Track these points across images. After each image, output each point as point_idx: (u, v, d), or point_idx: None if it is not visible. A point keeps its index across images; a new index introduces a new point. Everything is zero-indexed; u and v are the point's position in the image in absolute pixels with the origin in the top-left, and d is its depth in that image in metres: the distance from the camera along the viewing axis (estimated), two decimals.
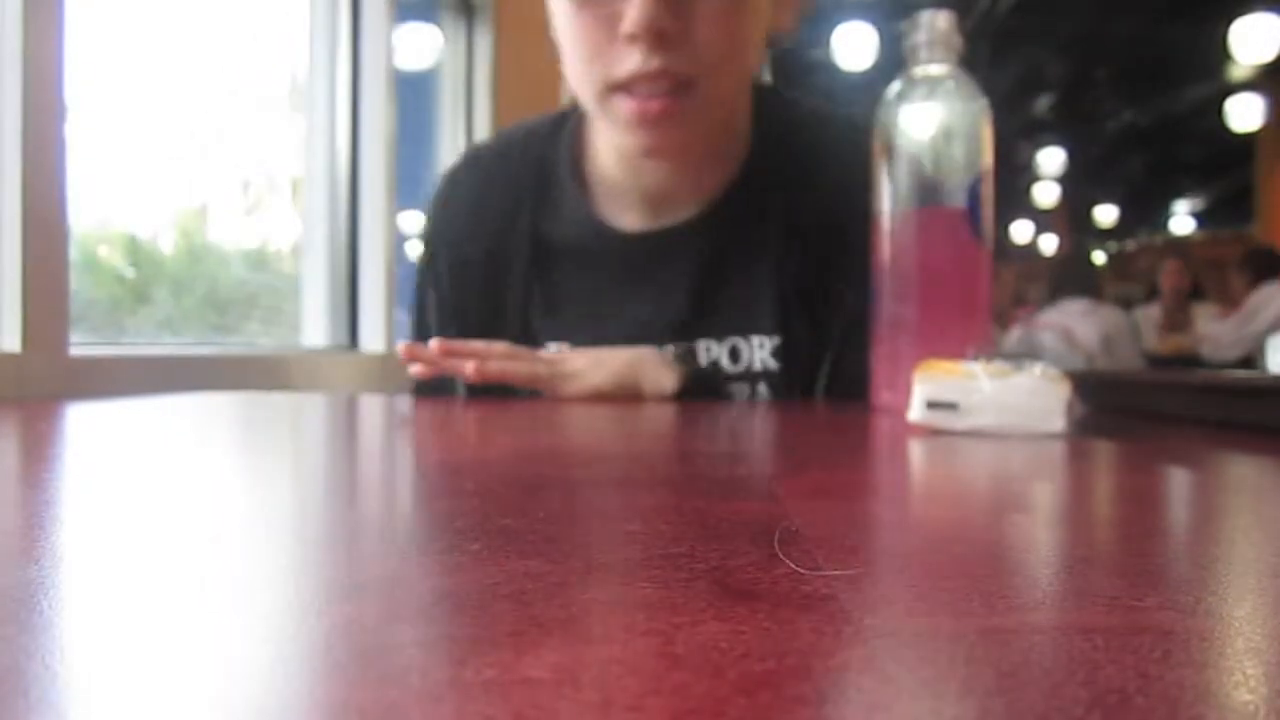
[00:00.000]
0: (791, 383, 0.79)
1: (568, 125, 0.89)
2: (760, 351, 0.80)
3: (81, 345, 0.99)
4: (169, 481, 0.35)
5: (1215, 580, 0.21)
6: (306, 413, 0.72)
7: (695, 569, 0.20)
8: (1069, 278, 3.65)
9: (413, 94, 2.06)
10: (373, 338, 1.63)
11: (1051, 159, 8.50)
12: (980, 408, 0.53)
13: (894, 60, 0.74)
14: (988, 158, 0.70)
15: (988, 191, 0.70)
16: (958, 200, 0.69)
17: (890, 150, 0.71)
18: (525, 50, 2.73)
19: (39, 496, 0.31)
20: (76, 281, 1.02)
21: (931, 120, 0.70)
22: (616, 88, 0.73)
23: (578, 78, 0.76)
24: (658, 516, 0.27)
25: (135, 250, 1.36)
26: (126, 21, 1.28)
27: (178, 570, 0.20)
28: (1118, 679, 0.13)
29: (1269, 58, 5.06)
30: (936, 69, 0.70)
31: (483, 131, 2.21)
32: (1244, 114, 6.39)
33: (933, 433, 0.53)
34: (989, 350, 0.64)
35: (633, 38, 0.69)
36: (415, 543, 0.24)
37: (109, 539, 0.24)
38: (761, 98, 0.85)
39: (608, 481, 0.36)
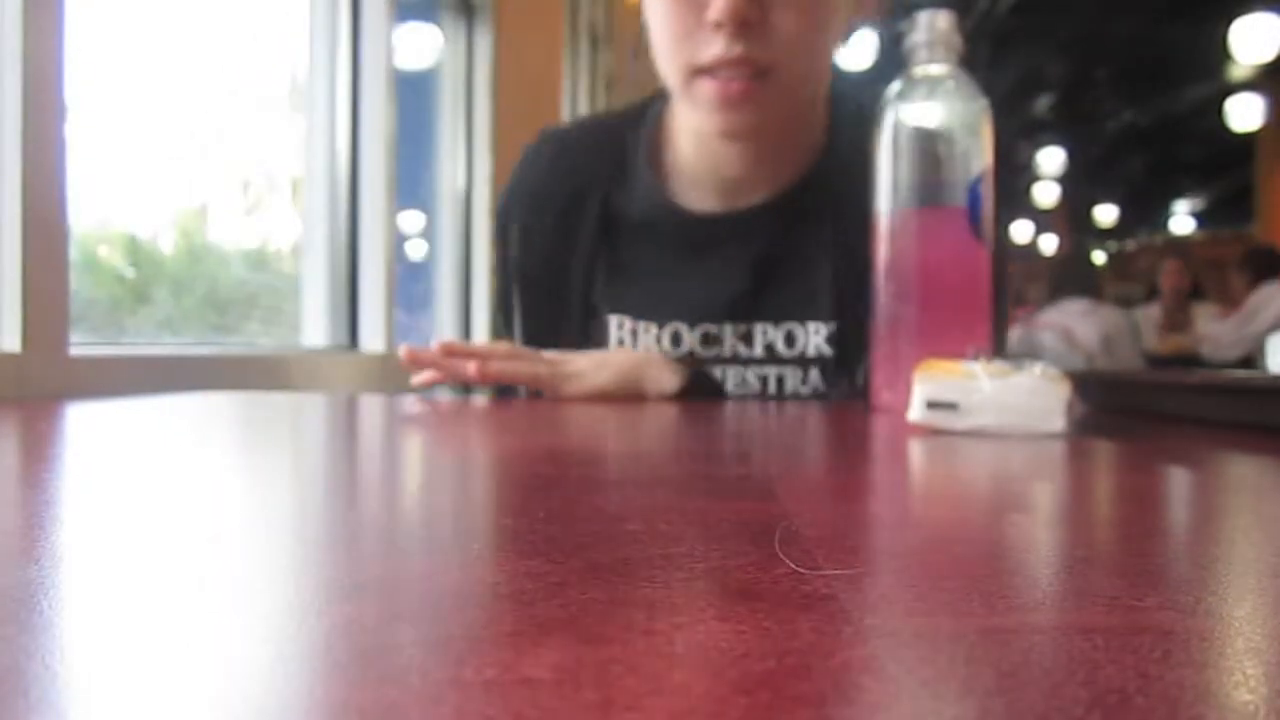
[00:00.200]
0: (842, 370, 0.81)
1: (650, 113, 0.91)
2: (815, 337, 0.82)
3: (81, 345, 0.99)
4: (169, 481, 0.35)
5: (1215, 580, 0.21)
6: (306, 413, 0.72)
7: (695, 569, 0.20)
8: (1069, 278, 3.65)
9: (413, 94, 2.06)
10: (373, 338, 1.63)
11: (1051, 159, 8.50)
12: (980, 408, 0.53)
13: (894, 60, 0.74)
14: (988, 158, 0.70)
15: (988, 191, 0.70)
16: (958, 200, 0.69)
17: (890, 150, 0.71)
18: (525, 50, 2.73)
19: (39, 496, 0.31)
20: (76, 281, 1.02)
21: (931, 120, 0.70)
22: (700, 71, 0.77)
23: (664, 59, 0.80)
24: (658, 516, 0.27)
25: (135, 250, 1.36)
26: (126, 21, 1.28)
27: (178, 570, 0.20)
28: (1118, 679, 0.13)
29: (1269, 58, 5.06)
30: (936, 69, 0.70)
31: (483, 131, 2.21)
32: (1244, 114, 6.39)
33: (933, 433, 0.53)
34: (1001, 349, 0.64)
35: (718, 25, 0.73)
36: (415, 543, 0.24)
37: (109, 539, 0.24)
38: (836, 94, 0.87)
39: (608, 481, 0.36)
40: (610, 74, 3.67)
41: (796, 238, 0.83)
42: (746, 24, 0.73)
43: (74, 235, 0.96)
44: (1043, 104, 7.38)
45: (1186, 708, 0.13)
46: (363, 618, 0.16)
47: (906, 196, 0.70)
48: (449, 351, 0.82)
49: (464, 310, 2.23)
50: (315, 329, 1.60)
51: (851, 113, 0.86)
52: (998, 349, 0.84)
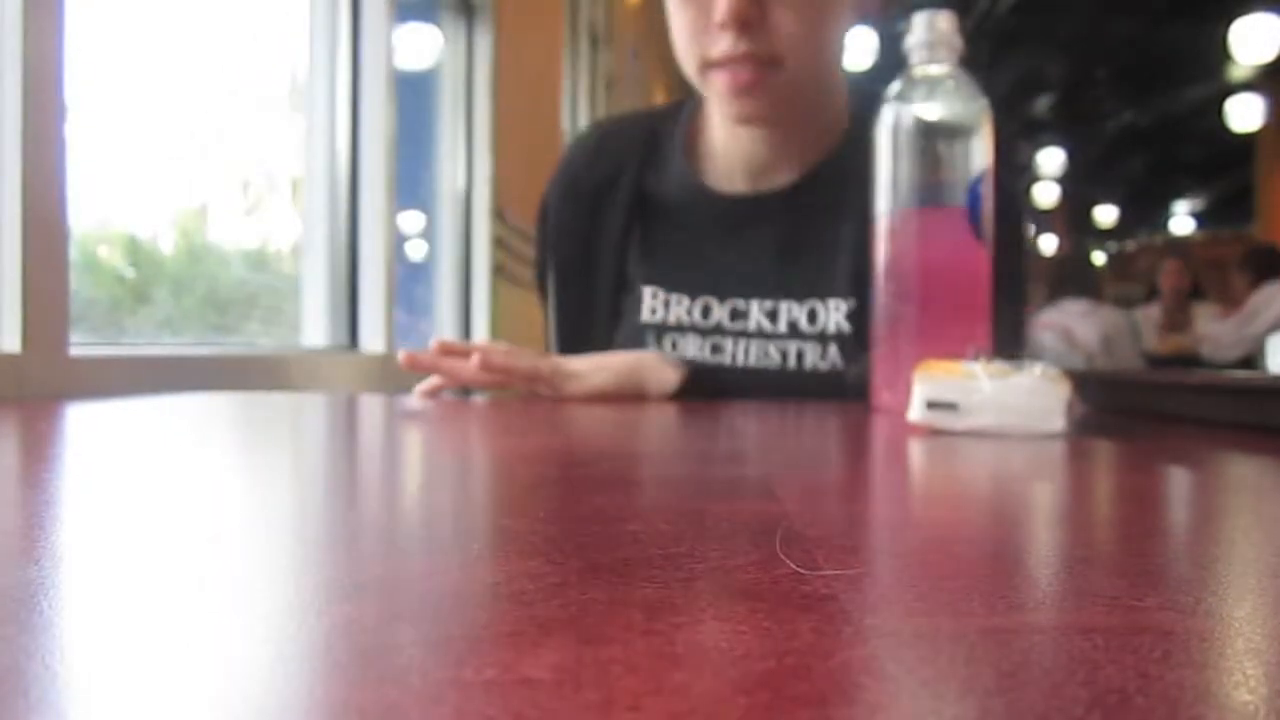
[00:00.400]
0: (862, 346, 0.83)
1: (687, 106, 0.98)
2: (836, 314, 0.86)
3: (81, 345, 0.99)
4: (169, 481, 0.35)
5: (1215, 580, 0.21)
6: (306, 413, 0.72)
7: (695, 569, 0.20)
8: (1069, 278, 3.65)
9: (413, 94, 2.06)
10: (373, 338, 1.63)
11: (1051, 159, 8.51)
12: (980, 408, 0.53)
13: (894, 60, 0.74)
14: (988, 158, 0.71)
15: (988, 191, 0.70)
16: (958, 200, 0.69)
17: (890, 150, 0.71)
18: (525, 50, 2.73)
19: (39, 496, 0.31)
20: (76, 281, 1.02)
21: (931, 120, 0.70)
22: (712, 64, 0.84)
23: (681, 55, 0.87)
24: (658, 516, 0.27)
25: (135, 250, 1.36)
26: (126, 21, 1.28)
27: (177, 570, 0.20)
28: (1118, 679, 0.13)
29: (1269, 58, 5.06)
30: (936, 69, 0.70)
31: (483, 131, 2.21)
32: (1244, 114, 6.39)
33: (933, 433, 0.53)
34: (1021, 346, 0.64)
35: (723, 24, 0.80)
36: (415, 543, 0.24)
37: (109, 539, 0.24)
38: (854, 83, 0.91)
39: (608, 481, 0.36)
40: (610, 74, 3.67)
41: (820, 219, 0.88)
42: (748, 23, 0.79)
43: (74, 235, 0.96)
44: (1043, 104, 7.39)
45: (1186, 708, 0.13)
46: (363, 618, 0.16)
47: (906, 196, 0.70)
48: (446, 351, 0.83)
49: (464, 310, 2.23)
50: (315, 329, 1.60)
51: (870, 98, 0.89)
52: (1016, 345, 0.84)
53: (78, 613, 0.17)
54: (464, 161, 2.20)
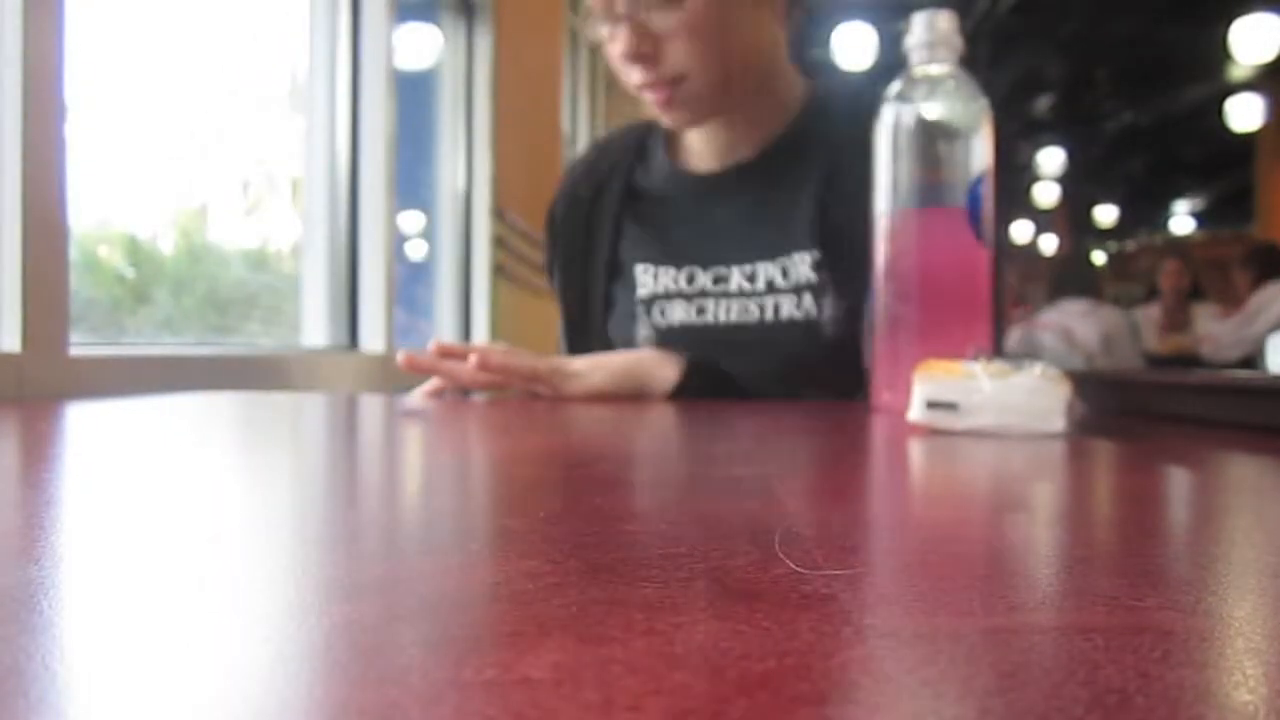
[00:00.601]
0: (824, 292, 0.92)
1: None
2: (803, 266, 0.93)
3: (81, 345, 0.99)
4: (169, 481, 0.35)
5: (1215, 580, 0.21)
6: (306, 413, 0.72)
7: (695, 569, 0.20)
8: (1069, 278, 3.65)
9: (413, 94, 2.06)
10: (373, 338, 1.63)
11: (1051, 159, 8.50)
12: (980, 408, 0.53)
13: (894, 60, 0.74)
14: (988, 158, 0.71)
15: (988, 191, 0.70)
16: (958, 201, 0.69)
17: (890, 150, 0.71)
18: (525, 50, 2.73)
19: (39, 496, 0.31)
20: (76, 281, 1.02)
21: (931, 120, 0.70)
22: (637, 88, 0.95)
23: (621, 80, 0.98)
24: (658, 516, 0.27)
25: (135, 250, 1.36)
26: (126, 21, 1.28)
27: (177, 570, 0.20)
28: (1118, 679, 0.13)
29: (1269, 58, 5.06)
30: (936, 69, 0.70)
31: (483, 131, 2.21)
32: (1244, 114, 6.39)
33: (933, 433, 0.53)
34: (997, 350, 0.65)
35: (627, 62, 0.92)
36: (415, 543, 0.24)
37: (109, 539, 0.24)
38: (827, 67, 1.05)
39: (607, 481, 0.36)
40: (610, 74, 3.66)
41: (782, 184, 0.97)
42: (643, 57, 0.90)
43: (74, 235, 0.96)
44: (1043, 104, 7.38)
45: (1186, 708, 0.13)
46: (363, 618, 0.16)
47: (906, 197, 0.70)
48: (445, 353, 0.84)
49: (464, 310, 2.23)
50: (315, 329, 1.60)
51: (830, 89, 1.02)
52: (996, 347, 0.85)
53: (78, 613, 0.17)
54: (464, 161, 2.20)
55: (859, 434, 0.59)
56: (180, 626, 0.16)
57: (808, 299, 0.92)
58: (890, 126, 0.71)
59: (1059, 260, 6.51)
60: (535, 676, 0.13)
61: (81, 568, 0.20)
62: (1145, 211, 10.04)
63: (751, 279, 0.95)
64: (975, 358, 0.57)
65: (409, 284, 2.19)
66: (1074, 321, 3.39)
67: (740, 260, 0.96)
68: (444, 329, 2.18)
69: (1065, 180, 8.94)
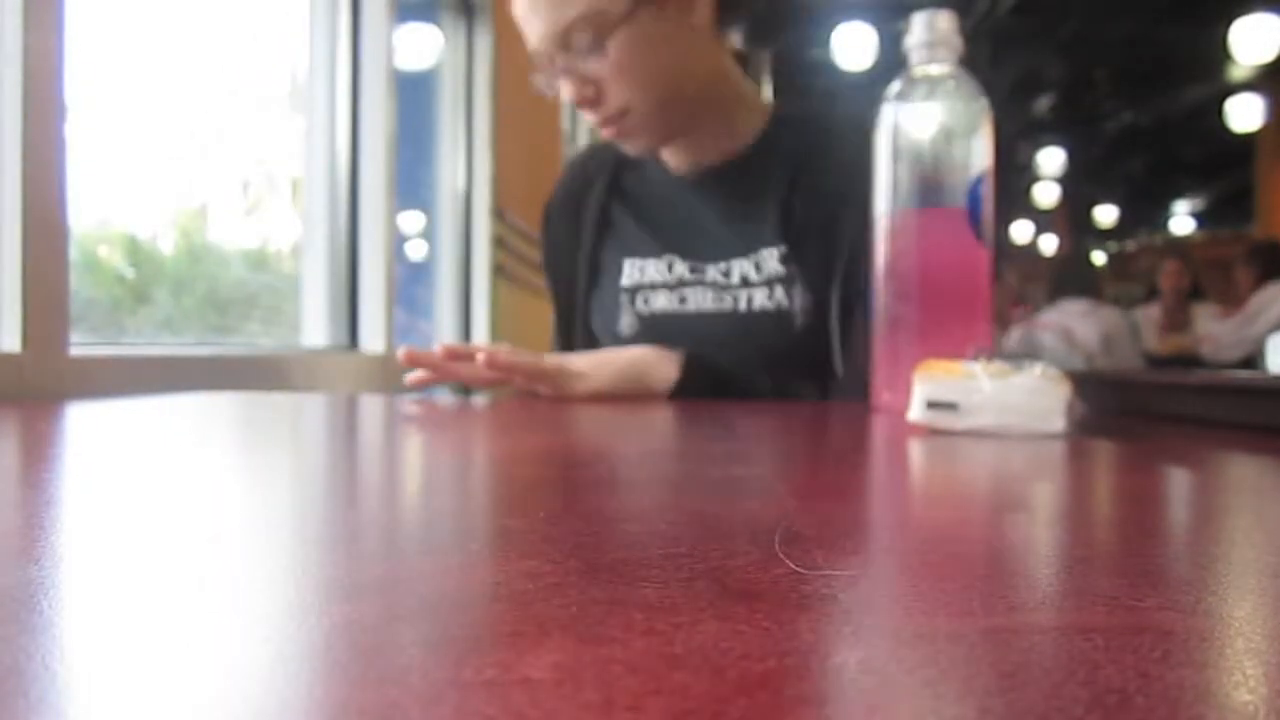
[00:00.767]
0: (799, 282, 0.97)
1: None
2: (772, 261, 0.98)
3: (81, 345, 0.99)
4: (169, 481, 0.35)
5: (1215, 580, 0.21)
6: (306, 413, 0.72)
7: (695, 569, 0.20)
8: (1069, 278, 3.65)
9: (413, 94, 2.06)
10: (373, 338, 1.63)
11: (1051, 159, 8.50)
12: (980, 408, 0.53)
13: (894, 60, 0.74)
14: (988, 158, 0.70)
15: (988, 191, 0.70)
16: (958, 200, 0.69)
17: (890, 150, 0.71)
18: (525, 50, 2.73)
19: (39, 496, 0.31)
20: (76, 281, 1.02)
21: (931, 120, 0.70)
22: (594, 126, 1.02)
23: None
24: (658, 516, 0.27)
25: (135, 250, 1.36)
26: (126, 21, 1.28)
27: (177, 570, 0.20)
28: (1118, 679, 0.13)
29: (1269, 58, 5.06)
30: (936, 69, 0.70)
31: (483, 131, 2.21)
32: (1244, 114, 6.38)
33: (933, 433, 0.53)
34: (990, 350, 0.65)
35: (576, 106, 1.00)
36: (415, 543, 0.24)
37: (109, 539, 0.24)
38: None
39: (608, 481, 0.36)
40: None
41: (752, 188, 1.02)
42: (587, 100, 0.97)
43: (74, 235, 0.96)
44: (1043, 104, 7.38)
45: (1186, 708, 0.13)
46: (363, 618, 0.16)
47: (906, 197, 0.70)
48: (452, 355, 0.85)
49: (464, 310, 2.22)
50: (315, 329, 1.60)
51: (797, 105, 1.08)
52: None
53: (78, 613, 0.17)
54: (464, 161, 2.20)
55: (859, 434, 0.59)
56: (180, 626, 0.16)
57: (779, 291, 0.98)
58: (890, 126, 0.71)
59: (1059, 260, 6.50)
60: (535, 676, 0.13)
61: (81, 568, 0.20)
62: (1145, 211, 10.03)
63: (726, 274, 1.01)
64: (975, 358, 0.57)
65: (409, 284, 2.19)
66: (1074, 321, 3.39)
67: (715, 258, 1.02)
68: (444, 329, 2.18)
69: (1065, 180, 8.93)
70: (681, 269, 1.03)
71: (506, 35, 2.28)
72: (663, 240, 1.05)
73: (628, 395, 0.88)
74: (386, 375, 1.57)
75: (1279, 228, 6.17)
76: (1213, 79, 6.51)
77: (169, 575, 0.20)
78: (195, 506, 0.29)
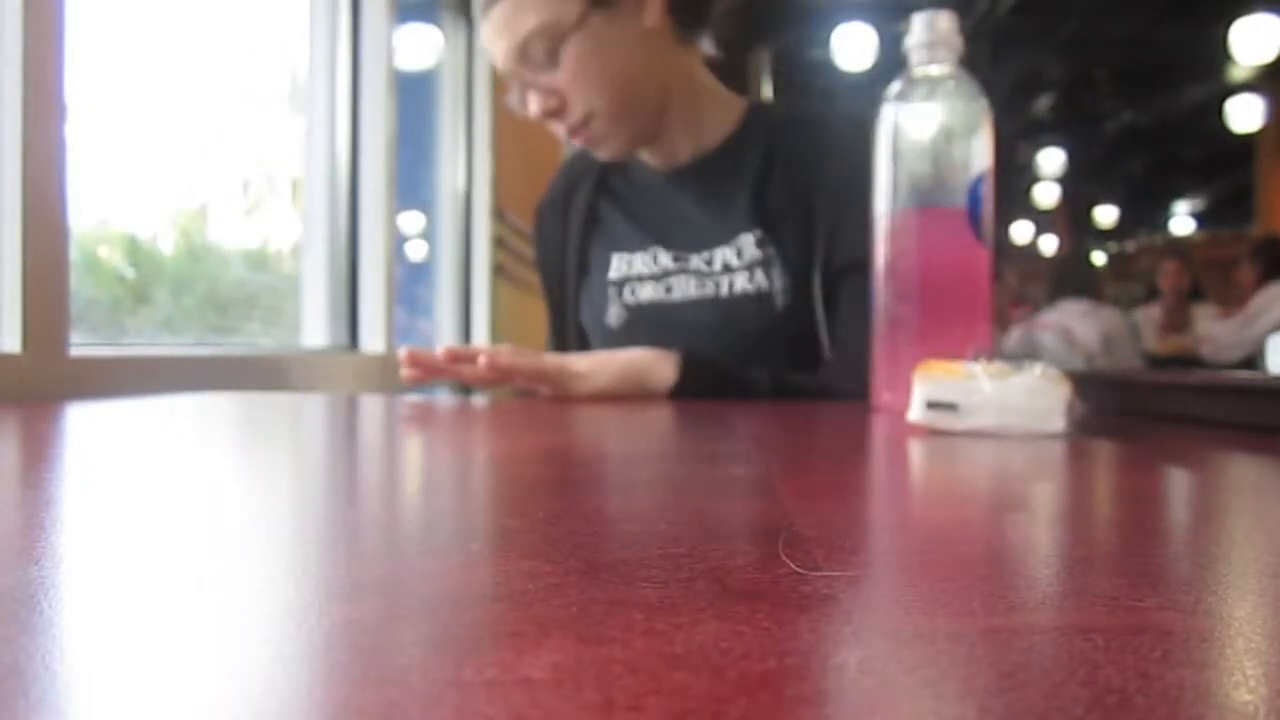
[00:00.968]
0: (778, 264, 1.00)
1: None
2: (750, 246, 1.01)
3: (81, 345, 0.99)
4: (169, 481, 0.35)
5: (1215, 580, 0.21)
6: (306, 413, 0.72)
7: (695, 569, 0.20)
8: (1069, 278, 3.65)
9: (413, 94, 2.06)
10: (373, 338, 1.63)
11: (1051, 159, 8.49)
12: (980, 408, 0.53)
13: (894, 60, 0.74)
14: (988, 158, 0.70)
15: (988, 191, 0.70)
16: (958, 200, 0.69)
17: (891, 150, 0.71)
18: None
19: (39, 496, 0.31)
20: (76, 281, 1.02)
21: (931, 120, 0.70)
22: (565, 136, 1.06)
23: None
24: (658, 516, 0.27)
25: (135, 250, 1.36)
26: (126, 21, 1.28)
27: (177, 570, 0.20)
28: (1118, 679, 0.13)
29: (1269, 58, 5.05)
30: (936, 69, 0.70)
31: (483, 131, 2.21)
32: (1244, 114, 6.38)
33: (933, 433, 0.53)
34: (990, 350, 0.66)
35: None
36: (415, 543, 0.24)
37: (109, 539, 0.24)
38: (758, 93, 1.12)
39: (607, 481, 0.36)
40: None
41: (728, 181, 1.05)
42: (551, 112, 1.00)
43: (74, 235, 0.96)
44: (1043, 104, 7.38)
45: (1186, 708, 0.13)
46: (363, 618, 0.16)
47: (907, 197, 0.70)
48: (454, 357, 0.85)
49: (464, 310, 2.22)
50: (315, 329, 1.60)
51: (773, 104, 1.13)
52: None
53: (78, 613, 0.17)
54: (464, 161, 2.20)
55: (859, 434, 0.59)
56: (180, 626, 0.16)
57: (759, 273, 1.00)
58: (890, 126, 0.71)
59: (1059, 260, 6.51)
60: (535, 676, 0.13)
61: (81, 568, 0.20)
62: (1145, 212, 10.03)
63: (709, 262, 1.04)
64: (975, 358, 0.57)
65: (409, 284, 2.19)
66: (1074, 322, 3.39)
67: (698, 248, 1.05)
68: (444, 329, 2.18)
69: (1065, 180, 8.93)
70: (666, 260, 1.06)
71: None
72: (648, 234, 1.08)
73: (628, 395, 0.88)
74: (386, 375, 1.57)
75: (1279, 228, 6.17)
76: (1213, 79, 6.51)
77: (169, 575, 0.20)
78: (195, 507, 0.29)
